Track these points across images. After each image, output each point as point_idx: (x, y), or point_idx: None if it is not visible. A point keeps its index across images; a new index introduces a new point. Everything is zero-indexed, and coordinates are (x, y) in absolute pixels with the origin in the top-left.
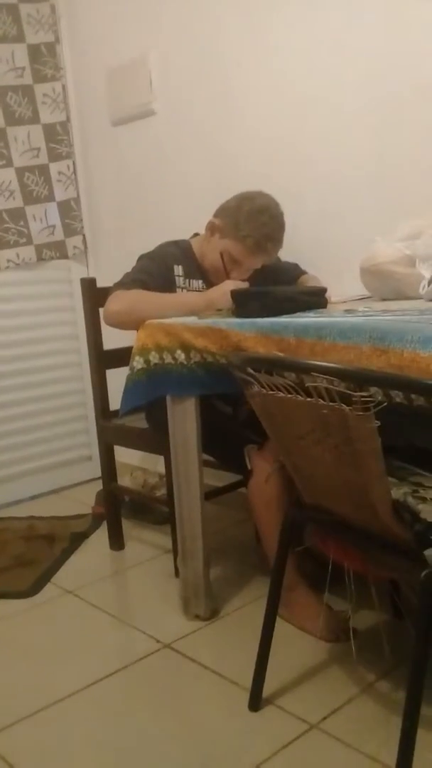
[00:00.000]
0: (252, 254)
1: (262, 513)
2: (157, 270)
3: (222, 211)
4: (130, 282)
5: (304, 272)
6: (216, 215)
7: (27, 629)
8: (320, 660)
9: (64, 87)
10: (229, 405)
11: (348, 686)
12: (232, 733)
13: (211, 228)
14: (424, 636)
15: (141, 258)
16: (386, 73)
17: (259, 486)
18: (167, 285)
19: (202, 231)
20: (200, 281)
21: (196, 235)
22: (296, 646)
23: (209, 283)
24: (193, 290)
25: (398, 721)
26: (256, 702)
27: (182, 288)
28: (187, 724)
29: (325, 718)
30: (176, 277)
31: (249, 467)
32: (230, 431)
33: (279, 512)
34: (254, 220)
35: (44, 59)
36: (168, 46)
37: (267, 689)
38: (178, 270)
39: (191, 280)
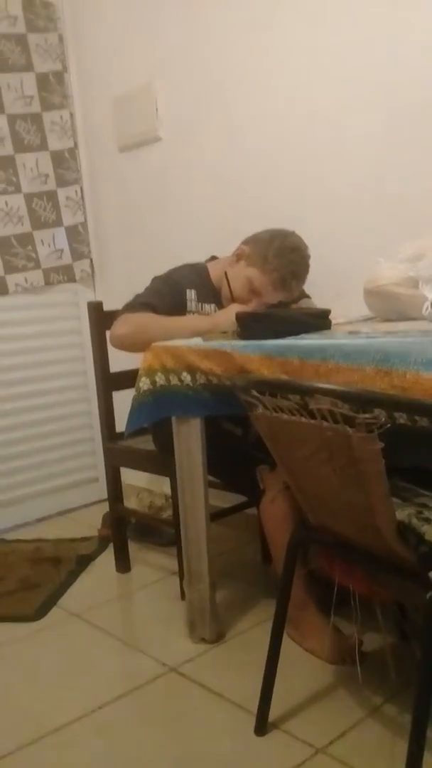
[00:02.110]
0: (274, 289)
1: (274, 533)
2: (168, 292)
3: (253, 241)
4: (138, 305)
5: (306, 296)
6: (246, 243)
7: (33, 653)
8: (326, 683)
9: (71, 114)
10: (239, 426)
11: (354, 710)
12: (238, 758)
13: (239, 254)
14: (429, 658)
15: (155, 279)
16: (389, 95)
17: (271, 506)
18: (177, 308)
19: (208, 254)
20: (213, 305)
21: (212, 258)
22: (302, 669)
23: (222, 308)
24: (204, 314)
25: (404, 745)
26: (262, 726)
27: (194, 312)
28: (193, 749)
29: (331, 742)
30: (188, 301)
31: (261, 487)
32: (240, 453)
33: (291, 531)
34: (283, 256)
35: (52, 87)
36: (173, 74)
37: (273, 713)
38: (191, 294)
39: (204, 304)
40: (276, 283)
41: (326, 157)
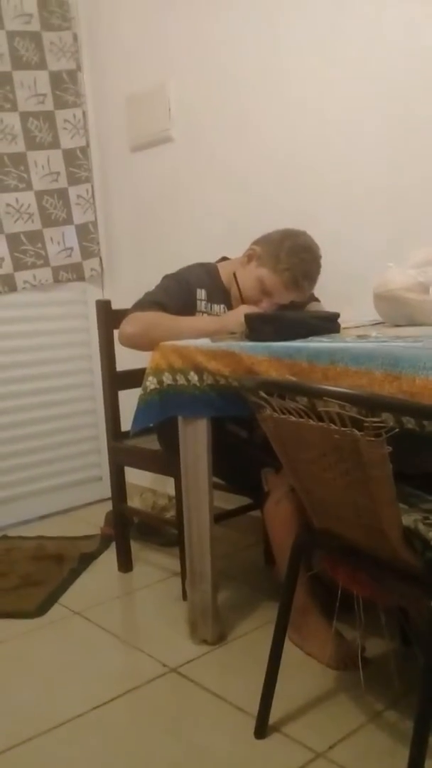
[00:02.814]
0: (286, 289)
1: (277, 535)
2: (179, 291)
3: (264, 241)
4: (148, 304)
5: (316, 299)
6: (257, 243)
7: (33, 650)
8: (328, 688)
9: (84, 113)
10: (244, 429)
11: (355, 715)
12: (238, 761)
13: (251, 255)
14: None
15: (165, 278)
16: (403, 99)
17: (275, 508)
18: (187, 307)
19: (219, 255)
20: (222, 306)
21: (223, 258)
22: (304, 673)
23: (232, 308)
24: (213, 314)
25: (406, 751)
26: (262, 729)
27: (203, 312)
28: (192, 751)
29: (332, 747)
30: (198, 301)
31: (266, 489)
32: (245, 455)
33: (295, 534)
34: (296, 256)
35: (65, 86)
36: (186, 74)
37: (273, 716)
38: (201, 294)
39: (213, 305)
40: (288, 283)
41: (339, 159)
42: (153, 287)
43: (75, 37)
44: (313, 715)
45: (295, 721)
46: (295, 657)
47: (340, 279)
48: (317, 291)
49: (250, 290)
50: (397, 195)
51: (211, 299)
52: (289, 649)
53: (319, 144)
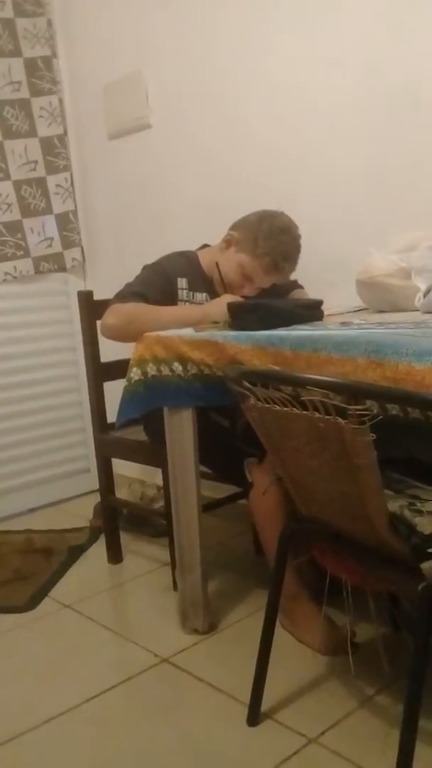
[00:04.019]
0: (266, 272)
1: (265, 525)
2: (159, 281)
3: (241, 225)
4: (128, 295)
5: (299, 286)
6: (234, 228)
7: (24, 644)
8: (319, 674)
9: (61, 101)
10: (226, 418)
11: (347, 700)
12: (231, 748)
13: (228, 240)
14: (422, 649)
15: (145, 268)
16: (383, 84)
17: (260, 498)
18: (168, 297)
19: (200, 242)
20: (204, 294)
21: (204, 246)
22: (295, 660)
23: (215, 296)
24: (196, 303)
25: (397, 735)
26: (254, 716)
27: (185, 301)
28: (185, 739)
29: (323, 733)
30: (179, 290)
31: (250, 480)
32: (228, 444)
33: (281, 523)
34: (274, 238)
35: (41, 73)
36: (164, 60)
37: (265, 703)
38: (182, 283)
39: (195, 293)
40: (267, 267)
41: (320, 146)
42: (134, 277)
43: (49, 23)
44: (304, 701)
45: (287, 708)
46: (285, 644)
47: (323, 265)
48: (300, 278)
49: (231, 276)
50: (379, 180)
51: (192, 288)
52: (280, 637)
53: (300, 129)
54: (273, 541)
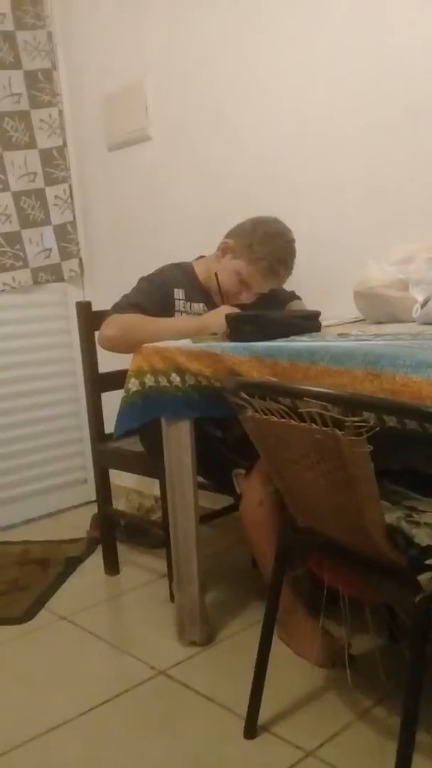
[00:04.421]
0: (263, 277)
1: (254, 537)
2: (156, 293)
3: (236, 233)
4: (126, 306)
5: (297, 298)
6: (229, 236)
7: (20, 656)
8: (316, 686)
9: (60, 112)
10: (219, 428)
11: (344, 712)
12: (228, 762)
13: (224, 248)
14: (419, 661)
15: (141, 280)
16: (379, 96)
17: (249, 510)
18: (165, 308)
19: (199, 253)
20: (201, 304)
21: (200, 257)
22: (292, 672)
23: (211, 306)
24: (193, 313)
25: (394, 747)
26: (251, 729)
27: (182, 311)
28: (182, 753)
29: (321, 745)
30: (176, 301)
31: (238, 491)
32: (219, 454)
33: (270, 535)
34: (269, 243)
35: (41, 85)
36: (163, 72)
37: (262, 716)
38: (179, 293)
39: (192, 303)
40: (264, 272)
41: (317, 156)
42: (131, 288)
43: (50, 36)
44: (301, 714)
45: (284, 721)
46: (283, 657)
47: (321, 276)
48: (298, 289)
49: (228, 284)
50: (376, 191)
51: (189, 298)
52: (277, 649)
53: (297, 141)
54: (264, 553)
